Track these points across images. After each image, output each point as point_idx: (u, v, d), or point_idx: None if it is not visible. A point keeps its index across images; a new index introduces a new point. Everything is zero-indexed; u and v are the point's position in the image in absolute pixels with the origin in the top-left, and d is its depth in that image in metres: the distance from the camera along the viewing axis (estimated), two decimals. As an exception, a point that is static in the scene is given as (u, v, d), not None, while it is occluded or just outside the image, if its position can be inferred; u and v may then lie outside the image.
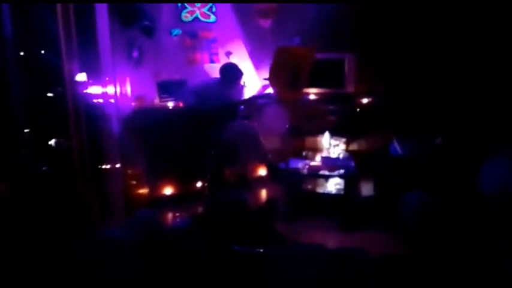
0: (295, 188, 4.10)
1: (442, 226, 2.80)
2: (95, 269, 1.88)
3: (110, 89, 3.90)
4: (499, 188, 2.91)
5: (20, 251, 2.11)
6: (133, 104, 4.25)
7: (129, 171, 4.22)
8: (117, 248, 2.01)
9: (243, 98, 4.42)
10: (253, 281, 1.92)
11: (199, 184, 4.54)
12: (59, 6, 3.46)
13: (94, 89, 3.80)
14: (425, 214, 3.02)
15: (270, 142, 4.35)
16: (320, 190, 4.21)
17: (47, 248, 2.06)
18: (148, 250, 2.01)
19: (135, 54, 4.18)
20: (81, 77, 3.62)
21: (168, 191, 4.44)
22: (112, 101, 3.93)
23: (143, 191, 4.33)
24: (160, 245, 2.07)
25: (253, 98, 4.41)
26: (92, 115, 3.77)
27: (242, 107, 4.32)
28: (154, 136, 4.17)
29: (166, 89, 4.48)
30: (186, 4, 4.65)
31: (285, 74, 3.63)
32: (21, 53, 3.44)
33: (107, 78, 3.88)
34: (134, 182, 4.29)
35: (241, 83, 4.28)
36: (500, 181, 2.95)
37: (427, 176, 3.63)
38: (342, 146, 4.54)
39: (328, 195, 4.14)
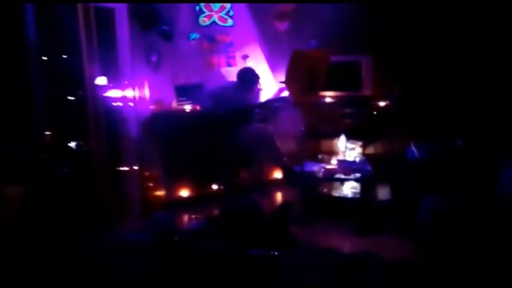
0: (311, 191, 4.10)
1: (459, 230, 2.78)
2: (107, 270, 1.92)
3: (129, 93, 3.99)
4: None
5: (34, 251, 2.15)
6: (151, 107, 4.32)
7: (147, 174, 4.29)
8: (132, 249, 2.05)
9: (259, 102, 4.44)
10: (268, 283, 1.94)
11: (215, 187, 4.58)
12: (80, 10, 3.55)
13: (113, 93, 3.88)
14: (442, 218, 3.00)
15: (286, 145, 4.35)
16: (336, 193, 4.19)
17: (60, 248, 2.10)
18: (164, 251, 2.04)
19: (154, 58, 4.25)
20: (101, 80, 3.71)
21: (184, 193, 4.49)
22: (131, 104, 4.01)
23: (160, 193, 4.39)
24: (176, 247, 2.10)
25: (269, 102, 4.44)
26: (111, 118, 3.86)
27: (258, 110, 4.34)
28: (171, 139, 4.22)
29: (183, 92, 4.54)
30: (203, 8, 4.71)
31: (301, 77, 3.64)
32: (44, 57, 3.53)
33: (126, 82, 3.96)
34: (151, 184, 4.36)
35: (258, 86, 4.30)
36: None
37: (444, 180, 3.58)
38: (358, 150, 4.52)
39: (344, 199, 4.12)
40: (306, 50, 4.16)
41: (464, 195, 3.09)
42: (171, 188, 4.42)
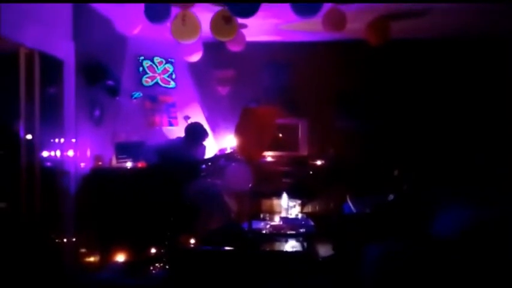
0: (258, 247, 4.08)
1: (404, 273, 2.97)
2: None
3: (70, 148, 3.73)
4: (454, 230, 3.19)
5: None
6: (90, 164, 4.07)
7: (82, 239, 3.91)
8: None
9: (205, 158, 4.45)
10: None
11: (154, 250, 4.29)
12: (22, 59, 3.36)
13: (53, 148, 3.61)
14: (386, 264, 3.19)
15: (233, 201, 4.36)
16: (281, 249, 4.23)
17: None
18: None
19: (97, 113, 4.10)
20: (31, 137, 3.42)
21: (121, 258, 4.14)
22: (70, 160, 3.74)
23: (95, 258, 4.01)
24: None
25: (215, 157, 4.47)
26: (47, 176, 3.53)
27: (204, 166, 4.33)
28: (110, 197, 3.98)
29: (123, 150, 4.40)
30: (147, 70, 4.78)
31: (250, 132, 3.79)
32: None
33: (68, 136, 3.72)
34: (85, 250, 3.97)
35: (204, 143, 4.34)
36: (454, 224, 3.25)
37: (383, 229, 3.84)
38: (298, 208, 4.70)
39: (290, 254, 4.17)
40: (255, 107, 4.39)
41: (404, 240, 3.35)
42: (107, 252, 4.05)
